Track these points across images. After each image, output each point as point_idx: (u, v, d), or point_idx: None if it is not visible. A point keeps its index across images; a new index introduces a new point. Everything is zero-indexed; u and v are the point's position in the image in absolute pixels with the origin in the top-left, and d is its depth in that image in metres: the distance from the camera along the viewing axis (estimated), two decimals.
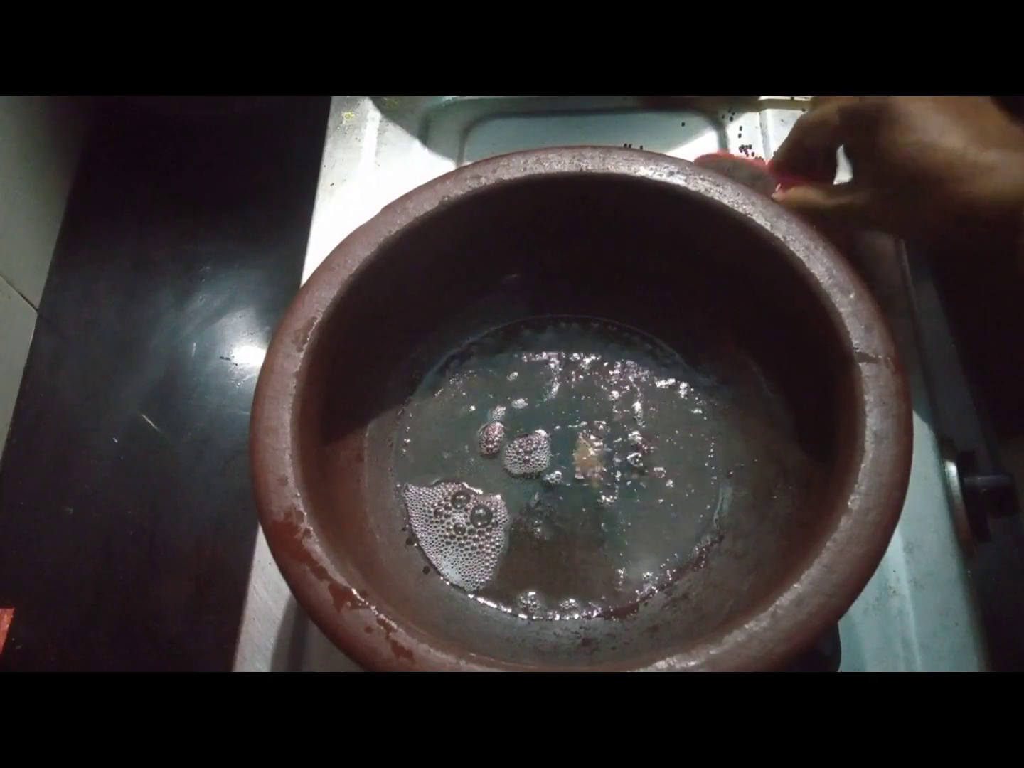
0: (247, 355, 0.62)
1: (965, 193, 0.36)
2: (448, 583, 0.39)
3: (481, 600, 0.39)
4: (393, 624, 0.30)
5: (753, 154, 0.54)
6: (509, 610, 0.39)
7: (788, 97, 0.56)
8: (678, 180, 0.38)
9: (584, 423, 0.43)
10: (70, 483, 0.58)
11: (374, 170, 0.57)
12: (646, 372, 0.44)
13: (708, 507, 0.40)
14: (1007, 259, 0.37)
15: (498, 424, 0.43)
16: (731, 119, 0.56)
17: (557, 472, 0.42)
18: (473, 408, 0.44)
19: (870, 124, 0.39)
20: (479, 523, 0.41)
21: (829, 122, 0.42)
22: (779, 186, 0.46)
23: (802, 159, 0.45)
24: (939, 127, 0.37)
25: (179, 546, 0.56)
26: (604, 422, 0.43)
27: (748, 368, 0.42)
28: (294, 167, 0.59)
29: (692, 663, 0.28)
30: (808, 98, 0.55)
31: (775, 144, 0.54)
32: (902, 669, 0.40)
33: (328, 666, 0.42)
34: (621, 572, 0.39)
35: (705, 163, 0.48)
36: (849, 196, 0.41)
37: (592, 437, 0.43)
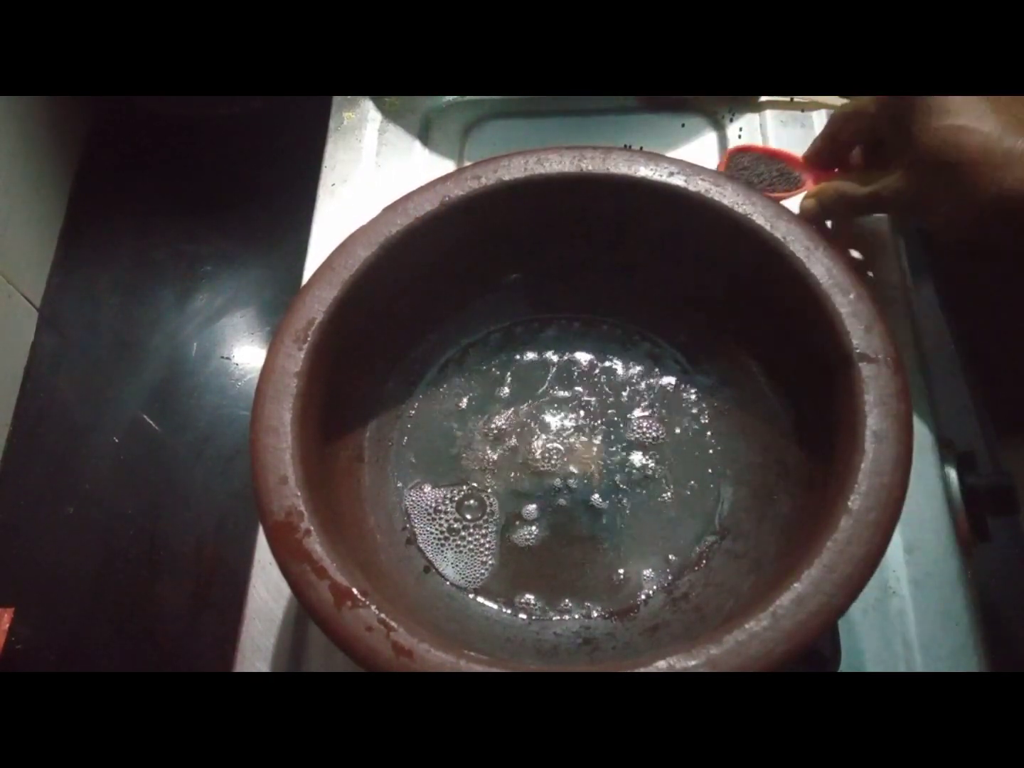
0: (248, 355, 0.62)
1: (999, 180, 0.35)
2: (448, 583, 0.39)
3: (481, 600, 0.39)
4: (393, 623, 0.30)
5: None
6: (509, 610, 0.39)
7: (788, 97, 0.56)
8: (678, 180, 0.38)
9: (584, 423, 0.43)
10: (70, 483, 0.58)
11: (375, 170, 0.57)
12: (646, 372, 0.44)
13: (708, 507, 0.40)
14: None
15: (498, 424, 0.43)
16: (731, 120, 0.56)
17: (557, 472, 0.42)
18: (473, 408, 0.44)
19: (906, 110, 0.38)
20: (479, 523, 0.41)
21: (865, 112, 0.41)
22: (810, 179, 0.46)
23: (836, 153, 0.44)
24: (976, 112, 0.36)
25: (179, 546, 0.56)
26: (604, 422, 0.43)
27: (748, 368, 0.42)
28: (294, 167, 0.60)
29: (692, 663, 0.28)
30: (808, 98, 0.55)
31: (775, 144, 0.54)
32: (902, 669, 0.40)
33: (328, 666, 0.42)
34: (621, 572, 0.39)
35: (736, 155, 0.48)
36: (881, 183, 0.40)
37: (592, 437, 0.43)
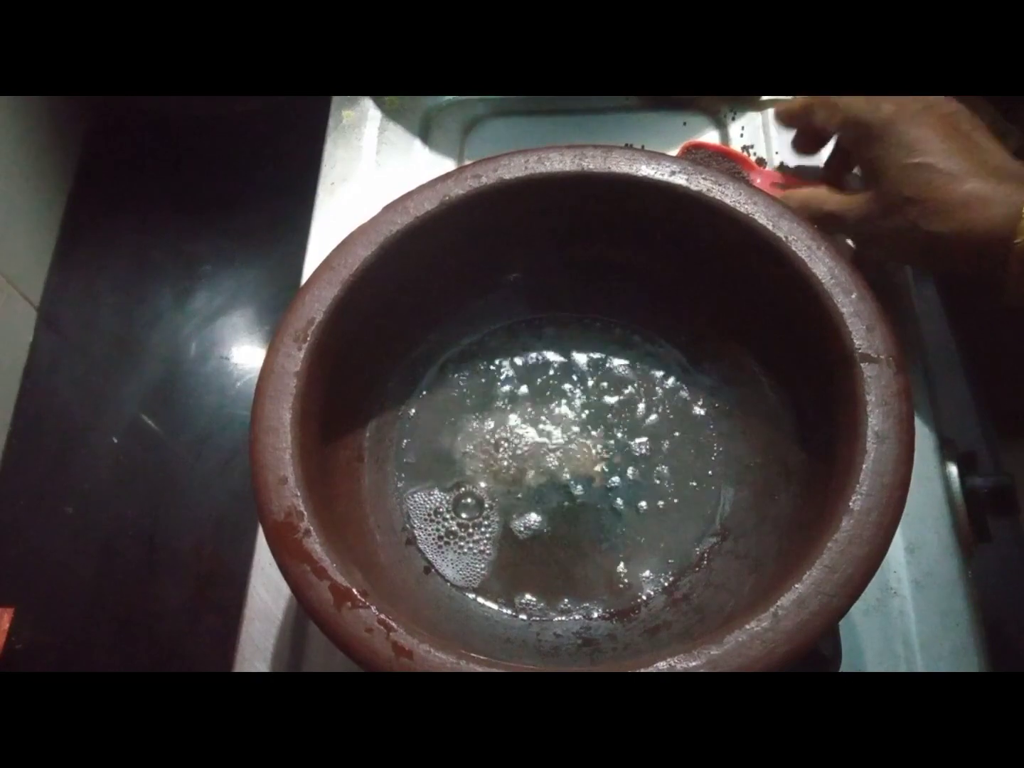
0: (247, 355, 0.62)
1: (960, 220, 0.37)
2: (448, 583, 0.39)
3: (481, 600, 0.39)
4: (393, 624, 0.30)
5: (755, 154, 0.54)
6: (509, 610, 0.39)
7: (789, 97, 0.56)
8: (680, 179, 0.38)
9: (584, 423, 0.43)
10: (70, 483, 0.58)
11: (375, 169, 0.57)
12: (647, 372, 0.44)
13: (709, 508, 0.40)
14: (994, 288, 0.38)
15: (498, 424, 0.43)
16: (733, 119, 0.56)
17: (557, 472, 0.42)
18: (473, 408, 0.44)
19: (872, 138, 0.40)
20: (479, 523, 0.41)
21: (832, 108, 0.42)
22: (759, 181, 0.48)
23: (814, 142, 0.46)
24: (944, 152, 0.37)
25: (179, 546, 0.56)
26: (604, 422, 0.43)
27: (749, 368, 0.42)
28: (294, 167, 0.59)
29: (693, 663, 0.28)
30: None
31: (777, 144, 0.54)
32: (902, 669, 0.40)
33: (328, 666, 0.42)
34: (622, 573, 0.39)
35: (691, 151, 0.51)
36: (846, 205, 0.42)
37: (592, 437, 0.42)
